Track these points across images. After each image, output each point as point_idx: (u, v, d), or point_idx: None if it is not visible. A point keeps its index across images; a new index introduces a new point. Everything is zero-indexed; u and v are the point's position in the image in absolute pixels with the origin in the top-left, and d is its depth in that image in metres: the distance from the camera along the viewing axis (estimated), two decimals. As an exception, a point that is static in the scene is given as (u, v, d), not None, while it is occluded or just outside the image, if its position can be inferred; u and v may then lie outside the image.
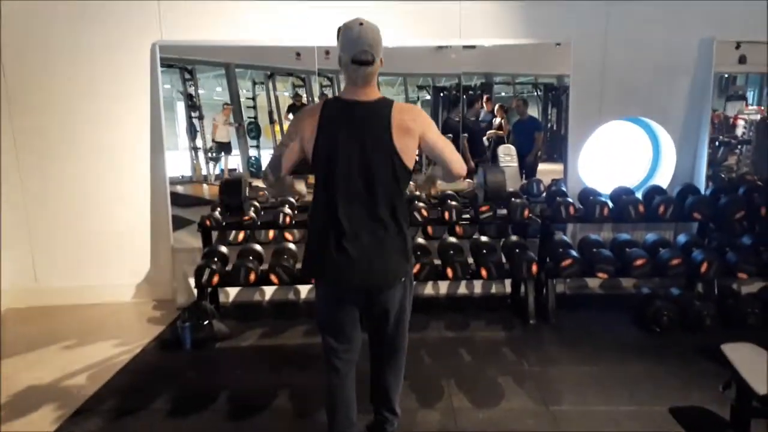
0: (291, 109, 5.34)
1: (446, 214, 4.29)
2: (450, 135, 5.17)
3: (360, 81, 2.07)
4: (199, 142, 5.43)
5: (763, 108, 5.16)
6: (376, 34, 2.04)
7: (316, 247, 2.18)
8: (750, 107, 5.19)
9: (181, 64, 5.05)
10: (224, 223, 4.40)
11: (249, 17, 4.51)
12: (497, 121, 5.38)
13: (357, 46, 2.00)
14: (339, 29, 2.07)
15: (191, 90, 5.26)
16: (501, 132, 5.34)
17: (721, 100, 5.08)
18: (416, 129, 2.10)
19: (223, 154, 5.49)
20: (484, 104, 5.29)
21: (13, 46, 4.41)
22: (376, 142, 2.06)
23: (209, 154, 5.46)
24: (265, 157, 5.57)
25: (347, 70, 2.07)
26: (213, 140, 5.41)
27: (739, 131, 5.14)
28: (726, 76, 5.06)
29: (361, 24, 2.03)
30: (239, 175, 2.05)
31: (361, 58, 2.00)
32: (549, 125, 5.56)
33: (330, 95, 5.03)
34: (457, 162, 2.20)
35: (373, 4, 4.44)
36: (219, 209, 4.42)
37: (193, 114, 5.38)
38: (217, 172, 5.58)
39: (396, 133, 2.06)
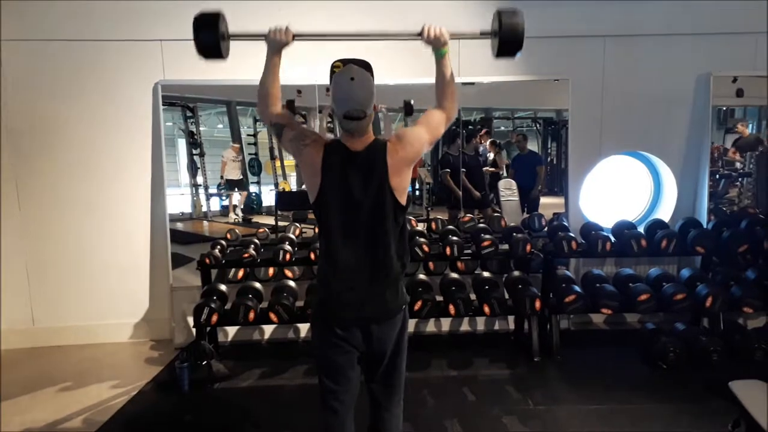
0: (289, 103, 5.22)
1: (448, 250, 4.27)
2: (447, 170, 5.20)
3: (351, 132, 2.12)
4: (200, 179, 5.44)
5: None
6: (366, 90, 2.07)
7: (321, 290, 2.23)
8: (749, 140, 5.21)
9: (182, 102, 5.10)
10: (224, 261, 4.38)
11: (250, 55, 4.55)
12: (491, 156, 5.40)
13: (348, 105, 2.04)
14: (332, 70, 2.10)
15: (192, 127, 5.30)
16: (494, 169, 5.36)
17: (719, 133, 5.11)
18: (408, 154, 2.14)
19: (236, 190, 5.51)
20: (480, 138, 5.31)
21: (16, 85, 4.46)
22: (374, 187, 2.10)
23: (220, 190, 5.47)
24: (266, 193, 5.59)
25: (341, 123, 2.12)
26: (222, 177, 5.44)
27: (738, 164, 5.15)
28: (724, 109, 5.10)
29: (352, 79, 2.06)
30: (216, 9, 1.79)
31: (353, 115, 2.05)
32: (549, 159, 5.58)
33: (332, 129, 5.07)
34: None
35: (372, 43, 4.49)
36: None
37: (194, 151, 5.42)
38: (217, 208, 5.58)
39: (392, 172, 2.11)
